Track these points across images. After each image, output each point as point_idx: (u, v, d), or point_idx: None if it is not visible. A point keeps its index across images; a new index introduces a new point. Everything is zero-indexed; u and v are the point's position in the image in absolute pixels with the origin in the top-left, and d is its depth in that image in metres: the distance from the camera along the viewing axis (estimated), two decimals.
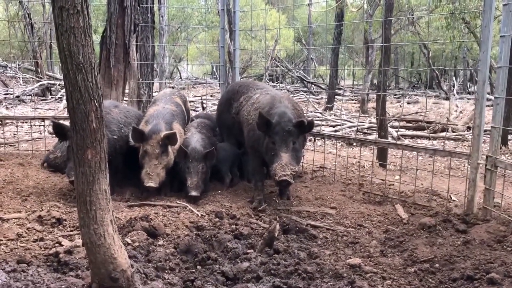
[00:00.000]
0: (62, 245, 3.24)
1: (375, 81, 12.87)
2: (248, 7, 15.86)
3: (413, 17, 14.42)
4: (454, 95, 17.48)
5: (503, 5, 3.91)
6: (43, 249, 3.22)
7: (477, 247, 3.47)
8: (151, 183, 4.35)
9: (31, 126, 7.45)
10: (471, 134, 4.56)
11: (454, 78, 21.94)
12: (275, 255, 3.23)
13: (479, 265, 3.11)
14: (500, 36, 3.91)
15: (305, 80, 19.67)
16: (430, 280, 3.02)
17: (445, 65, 22.26)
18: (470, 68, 21.04)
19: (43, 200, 4.31)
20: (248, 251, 3.27)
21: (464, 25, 12.84)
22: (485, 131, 4.36)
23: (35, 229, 3.56)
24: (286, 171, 4.02)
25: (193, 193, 4.42)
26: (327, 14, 11.73)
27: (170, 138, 4.49)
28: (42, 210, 3.89)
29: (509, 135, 8.21)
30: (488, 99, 4.58)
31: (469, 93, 20.27)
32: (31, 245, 3.28)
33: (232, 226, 3.78)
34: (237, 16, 6.56)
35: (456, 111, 12.17)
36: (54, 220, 3.71)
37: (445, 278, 3.03)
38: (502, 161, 4.06)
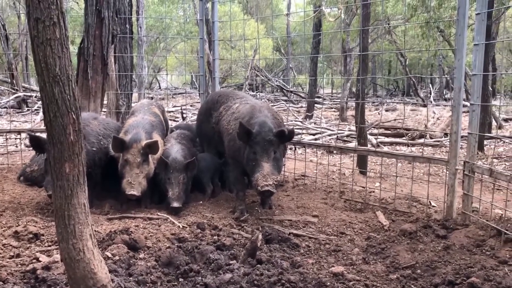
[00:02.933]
0: (40, 261, 3.16)
1: (354, 89, 13.03)
2: (226, 17, 15.90)
3: (390, 26, 14.68)
4: (431, 102, 17.80)
5: (476, 14, 4.01)
6: (19, 265, 3.14)
7: (457, 252, 3.52)
8: (133, 192, 4.28)
9: (6, 139, 7.29)
10: (448, 141, 4.64)
11: (430, 85, 22.37)
12: (258, 265, 3.21)
13: (459, 270, 3.16)
14: (474, 45, 4.00)
15: (285, 89, 19.79)
16: (412, 286, 3.05)
17: (422, 73, 22.72)
18: (446, 76, 21.49)
19: (20, 215, 4.21)
20: (231, 262, 3.24)
21: (439, 34, 13.13)
22: (462, 137, 4.44)
23: (11, 245, 3.47)
24: (269, 181, 4.02)
25: (175, 204, 4.38)
26: (305, 23, 11.85)
27: (151, 147, 4.45)
28: (19, 225, 3.79)
29: (485, 141, 8.39)
30: (464, 106, 4.67)
31: (445, 100, 20.68)
32: (7, 262, 3.19)
33: (214, 237, 3.75)
34: (216, 26, 6.57)
35: (433, 117, 12.38)
36: (31, 236, 3.62)
37: (427, 283, 3.06)
38: (479, 166, 4.13)
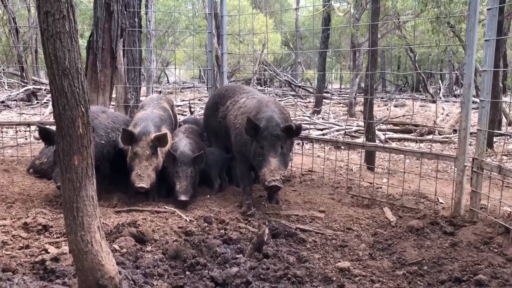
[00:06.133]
0: (49, 253, 3.19)
1: (362, 85, 12.97)
2: (235, 12, 15.88)
3: (399, 21, 14.57)
4: (440, 98, 17.66)
5: (487, 9, 3.97)
6: (29, 256, 3.17)
7: (464, 249, 3.51)
8: (142, 184, 4.30)
9: (16, 131, 7.36)
10: (457, 137, 4.61)
11: (440, 81, 22.19)
12: (265, 259, 3.22)
13: (466, 267, 3.15)
14: (485, 40, 3.96)
15: (293, 84, 19.74)
16: (418, 282, 3.04)
17: (431, 69, 22.53)
18: (456, 72, 21.30)
19: (29, 207, 4.25)
20: (237, 256, 3.26)
21: (449, 29, 13.00)
22: (471, 133, 4.41)
23: (20, 237, 3.51)
24: (276, 176, 4.02)
25: (183, 197, 4.40)
26: (314, 18, 11.81)
27: (160, 140, 4.46)
28: (28, 217, 3.83)
29: (494, 137, 8.32)
30: (473, 102, 4.64)
31: (455, 96, 20.50)
32: (17, 252, 3.23)
33: (221, 231, 3.76)
34: (224, 20, 6.56)
35: (442, 114, 12.31)
36: (40, 227, 3.65)
37: (433, 280, 3.06)
38: (488, 163, 4.10)
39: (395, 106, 15.96)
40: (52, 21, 2.12)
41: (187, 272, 3.08)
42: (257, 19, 17.89)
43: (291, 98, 16.20)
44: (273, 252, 3.34)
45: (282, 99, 15.91)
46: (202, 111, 8.98)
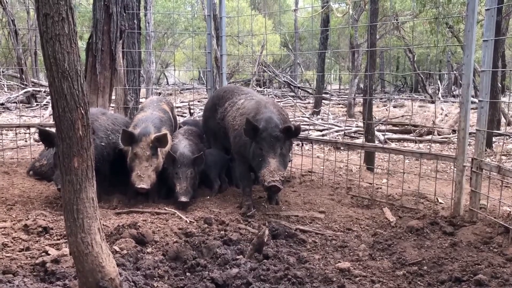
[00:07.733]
0: (49, 254, 3.20)
1: (361, 85, 12.99)
2: (234, 13, 15.89)
3: (398, 22, 14.58)
4: (439, 98, 17.69)
5: (486, 9, 3.98)
6: (29, 258, 3.18)
7: (464, 249, 3.51)
8: (143, 185, 4.30)
9: (16, 134, 7.36)
10: (456, 137, 4.62)
11: (439, 82, 22.21)
12: (265, 260, 3.22)
13: (466, 267, 3.15)
14: (483, 41, 3.96)
15: (292, 85, 19.75)
16: (418, 282, 3.05)
17: (430, 69, 22.53)
18: (455, 72, 21.32)
19: (29, 209, 4.25)
20: (238, 257, 3.26)
21: (448, 30, 13.01)
22: (470, 133, 4.41)
23: (21, 239, 3.51)
24: (275, 177, 4.02)
25: (183, 198, 4.40)
26: (313, 19, 11.81)
27: (161, 140, 4.47)
28: (28, 219, 3.84)
29: (493, 138, 8.33)
30: (472, 102, 4.64)
31: (453, 96, 20.52)
32: (17, 254, 3.23)
33: (221, 232, 3.76)
34: (223, 22, 6.56)
35: (441, 114, 12.31)
36: (40, 229, 3.66)
37: (434, 280, 3.06)
38: (487, 163, 4.11)
39: (394, 107, 15.97)
40: (51, 23, 2.12)
41: (188, 273, 3.09)
42: (256, 21, 17.91)
43: (290, 99, 16.21)
44: (273, 253, 3.34)
45: (281, 100, 15.92)
46: (202, 113, 8.98)
